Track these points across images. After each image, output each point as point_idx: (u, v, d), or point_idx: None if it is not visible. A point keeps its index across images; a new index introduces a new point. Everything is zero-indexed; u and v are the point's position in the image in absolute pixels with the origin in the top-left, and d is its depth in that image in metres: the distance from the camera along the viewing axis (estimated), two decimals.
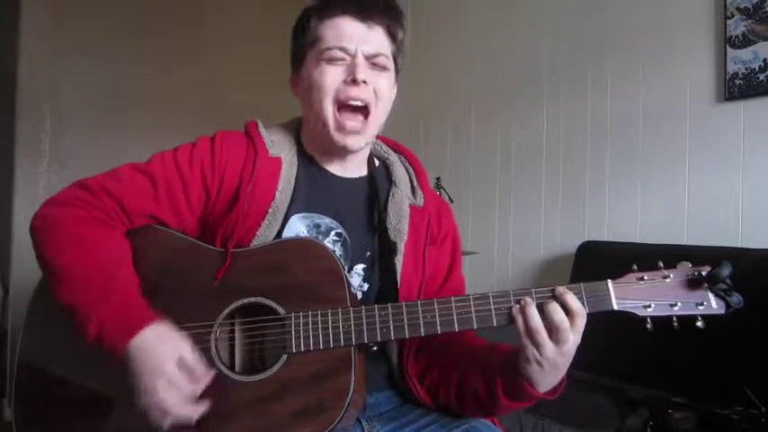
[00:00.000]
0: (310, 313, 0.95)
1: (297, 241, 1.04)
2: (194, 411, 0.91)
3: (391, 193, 1.16)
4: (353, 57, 1.06)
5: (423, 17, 3.22)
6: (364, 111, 1.08)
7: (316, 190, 1.12)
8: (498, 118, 2.94)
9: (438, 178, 2.68)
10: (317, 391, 0.92)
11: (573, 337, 0.90)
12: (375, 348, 0.99)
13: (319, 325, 0.94)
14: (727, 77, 2.15)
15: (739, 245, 2.06)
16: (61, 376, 1.00)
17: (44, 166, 2.96)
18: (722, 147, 2.16)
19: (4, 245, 2.89)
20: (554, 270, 2.63)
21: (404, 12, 1.15)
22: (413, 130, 3.21)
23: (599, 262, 2.31)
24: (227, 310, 0.98)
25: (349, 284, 0.98)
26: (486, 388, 0.99)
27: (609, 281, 0.93)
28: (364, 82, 1.05)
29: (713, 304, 0.92)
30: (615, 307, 0.92)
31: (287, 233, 1.07)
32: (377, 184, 1.17)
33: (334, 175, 1.15)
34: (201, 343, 0.96)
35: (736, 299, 0.90)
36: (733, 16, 2.15)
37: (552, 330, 0.89)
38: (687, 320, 0.92)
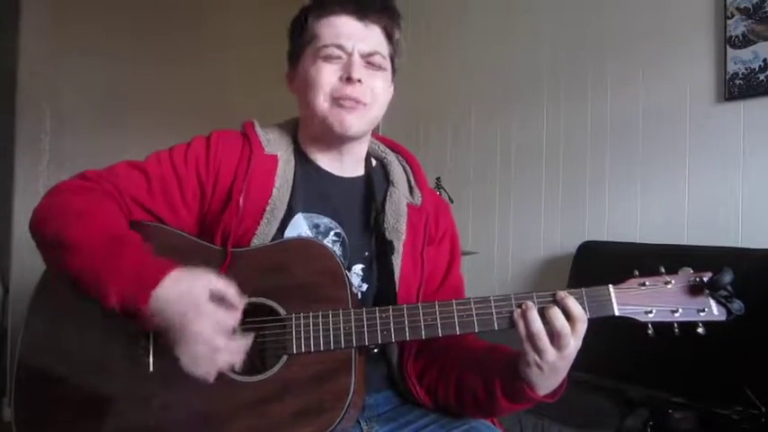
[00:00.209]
0: (311, 314, 0.95)
1: (298, 241, 1.04)
2: (243, 343, 0.90)
3: (389, 193, 1.16)
4: (350, 55, 1.07)
5: (423, 18, 3.21)
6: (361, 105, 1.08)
7: (313, 189, 1.12)
8: (498, 118, 2.94)
9: (438, 178, 2.68)
10: (317, 392, 0.92)
11: (574, 342, 0.90)
12: (375, 350, 0.99)
13: (320, 326, 0.94)
14: (727, 77, 2.14)
15: (739, 245, 2.06)
16: (61, 376, 1.00)
17: (44, 165, 2.97)
18: (722, 147, 2.16)
19: (4, 244, 2.89)
20: (554, 270, 2.63)
21: (404, 13, 1.16)
22: (413, 130, 3.21)
23: (599, 262, 2.31)
24: None
25: (350, 285, 0.98)
26: (486, 389, 0.99)
27: (610, 286, 0.93)
28: (359, 81, 1.06)
29: (714, 311, 0.92)
30: (617, 312, 0.92)
31: (290, 232, 1.07)
32: (374, 183, 1.17)
33: (331, 174, 1.15)
34: None
35: (737, 305, 0.90)
36: (733, 16, 2.14)
37: (553, 336, 0.89)
38: (688, 327, 0.92)
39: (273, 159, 1.10)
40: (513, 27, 2.92)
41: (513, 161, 2.88)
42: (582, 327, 0.90)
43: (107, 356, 0.98)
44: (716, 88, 2.19)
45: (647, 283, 0.93)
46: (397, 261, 1.10)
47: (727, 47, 2.15)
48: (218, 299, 0.90)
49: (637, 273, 0.94)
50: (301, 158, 1.15)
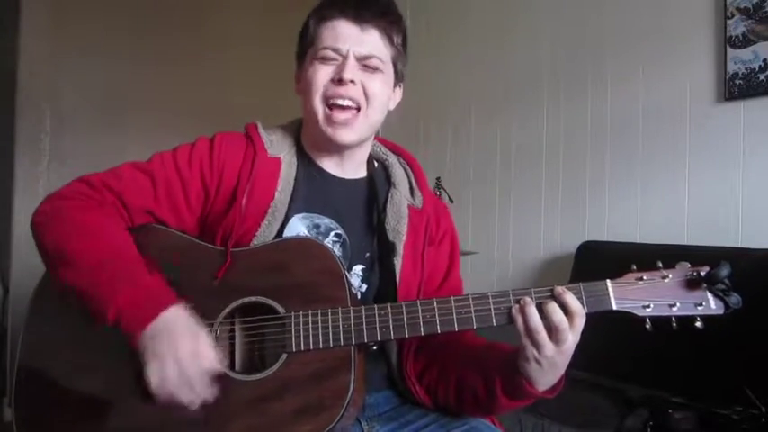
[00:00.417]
0: (310, 312, 0.95)
1: (297, 241, 1.05)
2: (198, 396, 0.91)
3: (390, 195, 1.17)
4: (344, 58, 1.08)
5: (422, 18, 3.22)
6: (355, 109, 1.09)
7: (315, 190, 1.13)
8: (498, 118, 2.94)
9: (438, 178, 2.68)
10: (316, 389, 0.92)
11: (572, 337, 0.90)
12: (375, 348, 0.99)
13: (319, 324, 0.95)
14: (727, 77, 2.15)
15: (739, 245, 2.06)
16: (61, 376, 1.00)
17: (44, 165, 2.96)
18: (722, 147, 2.16)
19: (4, 244, 2.89)
20: (554, 270, 2.63)
21: (403, 13, 1.16)
22: (413, 130, 3.21)
23: (599, 262, 2.31)
24: (227, 309, 0.98)
25: (350, 284, 0.98)
26: (485, 387, 0.99)
27: (608, 281, 0.94)
28: (352, 81, 1.07)
29: (712, 305, 0.92)
30: (614, 307, 0.92)
31: (287, 233, 1.07)
32: (376, 185, 1.18)
33: (333, 175, 1.16)
34: None
35: (734, 299, 0.90)
36: (733, 16, 2.15)
37: (552, 330, 0.89)
38: (686, 321, 0.92)
39: (276, 162, 1.11)
40: (512, 27, 2.92)
41: (513, 161, 2.88)
42: (580, 321, 0.90)
43: (107, 356, 0.98)
44: (716, 88, 2.19)
45: (644, 278, 0.93)
46: (398, 262, 1.11)
47: (727, 47, 2.15)
48: (201, 350, 0.92)
49: (634, 267, 0.95)
50: (304, 160, 1.15)
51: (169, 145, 1.12)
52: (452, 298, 0.95)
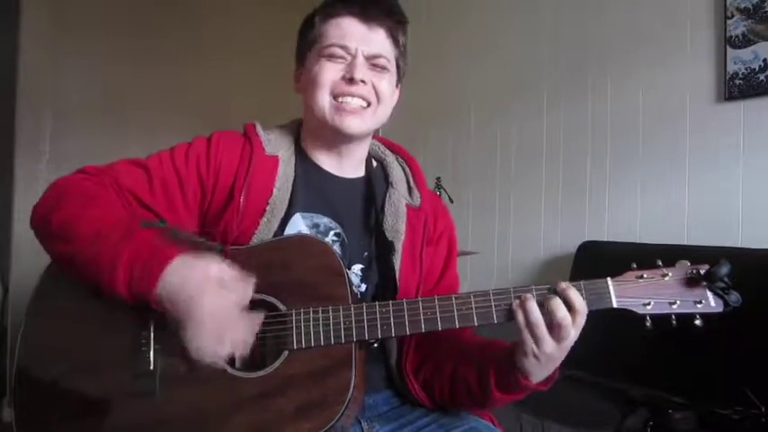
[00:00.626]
0: (311, 310, 0.95)
1: (297, 238, 1.05)
2: (253, 321, 0.89)
3: (388, 194, 1.17)
4: (353, 56, 1.08)
5: (423, 17, 3.22)
6: (366, 105, 1.10)
7: (314, 189, 1.13)
8: (498, 118, 2.94)
9: (438, 178, 2.68)
10: (318, 387, 0.92)
11: (573, 333, 0.90)
12: (375, 345, 0.99)
13: (320, 321, 0.95)
14: (727, 77, 2.15)
15: (739, 245, 2.06)
16: (61, 376, 1.00)
17: (44, 165, 2.96)
18: (722, 147, 2.17)
19: (4, 244, 2.89)
20: (554, 270, 2.63)
21: (404, 12, 1.16)
22: (413, 130, 3.21)
23: (599, 262, 2.31)
24: None
25: (350, 282, 0.99)
26: (479, 380, 1.00)
27: (609, 278, 0.94)
28: (362, 81, 1.07)
29: (712, 302, 0.92)
30: (615, 304, 0.93)
31: (289, 231, 1.08)
32: (374, 184, 1.18)
33: (331, 174, 1.16)
34: None
35: (734, 297, 0.90)
36: (733, 16, 2.15)
37: (554, 327, 0.89)
38: (686, 319, 0.92)
39: (274, 160, 1.11)
40: (512, 27, 2.92)
41: (513, 161, 2.88)
42: (582, 319, 0.90)
43: (107, 356, 0.98)
44: (716, 88, 2.19)
45: (644, 276, 0.94)
46: (397, 261, 1.11)
47: (727, 47, 2.15)
48: (227, 282, 0.90)
49: (635, 266, 0.95)
50: (302, 158, 1.15)
51: (169, 145, 1.12)
52: (453, 295, 0.95)
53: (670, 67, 2.32)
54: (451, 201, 2.65)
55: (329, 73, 1.08)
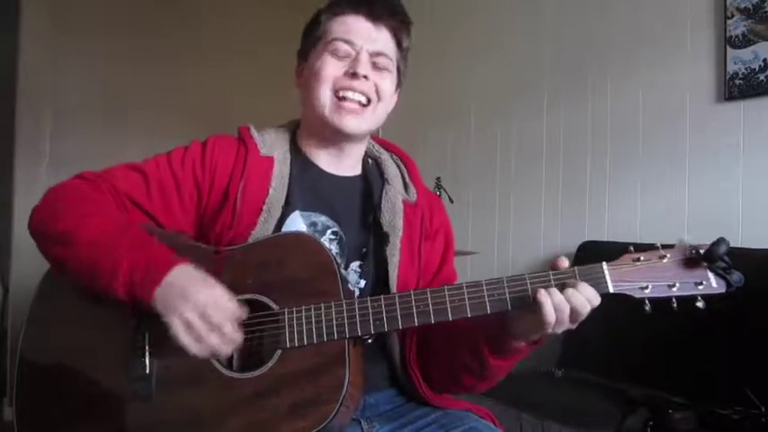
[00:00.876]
0: (303, 308, 0.95)
1: (288, 237, 1.05)
2: (237, 336, 0.91)
3: (384, 191, 1.18)
4: (357, 53, 1.09)
5: (425, 17, 3.21)
6: (366, 102, 1.10)
7: (310, 188, 1.13)
8: (498, 118, 2.94)
9: (438, 178, 2.68)
10: (312, 385, 0.92)
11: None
12: (369, 341, 0.99)
13: (312, 319, 0.95)
14: (727, 77, 2.15)
15: (739, 245, 2.06)
16: (62, 376, 1.00)
17: (44, 166, 2.96)
18: (722, 147, 2.16)
19: (4, 244, 2.89)
20: None
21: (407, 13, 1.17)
22: (413, 130, 3.21)
23: (599, 262, 2.30)
24: None
25: (342, 278, 0.98)
26: (473, 353, 1.01)
27: (604, 263, 0.92)
28: (365, 77, 1.08)
29: (713, 283, 0.88)
30: (611, 290, 0.90)
31: (286, 231, 1.08)
32: (370, 181, 1.19)
33: (328, 173, 1.17)
34: None
35: (736, 277, 0.87)
36: (733, 16, 2.15)
37: (572, 312, 0.89)
38: (687, 301, 0.89)
39: (269, 160, 1.12)
40: (513, 27, 2.92)
41: (513, 161, 2.88)
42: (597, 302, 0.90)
43: (106, 356, 0.98)
44: (716, 88, 2.19)
45: (641, 259, 0.90)
46: (395, 257, 1.11)
47: (727, 47, 2.15)
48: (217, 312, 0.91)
49: (632, 249, 0.92)
50: (298, 157, 1.16)
51: (169, 146, 1.13)
52: (446, 287, 0.95)
53: (670, 67, 2.32)
54: (451, 201, 2.65)
55: (332, 68, 1.09)
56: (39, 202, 1.05)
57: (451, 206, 2.67)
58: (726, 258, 0.87)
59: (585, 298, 0.89)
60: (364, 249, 1.13)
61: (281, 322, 0.95)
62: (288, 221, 1.09)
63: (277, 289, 0.98)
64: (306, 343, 0.94)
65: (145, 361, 0.95)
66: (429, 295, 0.95)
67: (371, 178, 1.19)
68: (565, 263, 0.94)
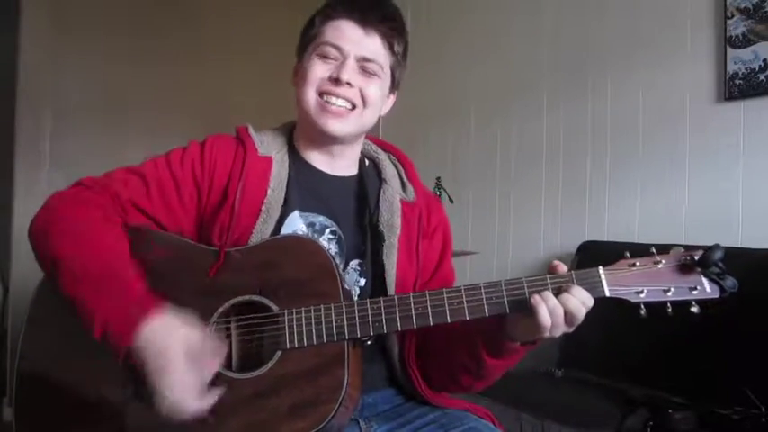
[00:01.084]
0: (303, 309, 0.96)
1: (288, 239, 1.05)
2: (203, 404, 0.90)
3: (382, 190, 1.18)
4: (345, 58, 1.09)
5: (423, 17, 3.22)
6: (350, 107, 1.11)
7: (309, 188, 1.14)
8: (498, 118, 2.94)
9: (438, 178, 2.69)
10: (311, 385, 0.93)
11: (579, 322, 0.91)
12: (369, 342, 0.99)
13: (312, 320, 0.95)
14: (727, 77, 2.15)
15: (739, 245, 2.06)
16: (62, 376, 1.00)
17: (44, 166, 2.96)
18: (722, 147, 2.17)
19: (4, 244, 2.89)
20: None
21: (403, 12, 1.17)
22: (413, 130, 3.21)
23: (599, 262, 2.30)
24: (221, 309, 0.99)
25: (342, 280, 0.99)
26: (471, 354, 1.02)
27: (600, 267, 0.93)
28: (348, 83, 1.08)
29: (707, 288, 0.90)
30: (607, 294, 0.92)
31: (286, 231, 1.08)
32: (367, 181, 1.19)
33: (325, 173, 1.17)
34: None
35: (730, 282, 0.89)
36: (733, 16, 2.15)
37: (567, 315, 0.90)
38: (681, 306, 0.90)
39: (268, 160, 1.12)
40: (512, 27, 2.92)
41: (513, 161, 2.88)
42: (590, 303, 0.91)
43: (107, 356, 0.97)
44: (716, 88, 2.19)
45: (637, 264, 0.92)
46: (393, 256, 1.12)
47: (727, 47, 2.15)
48: (195, 354, 0.90)
49: (628, 254, 0.94)
50: (296, 158, 1.17)
51: (169, 145, 1.14)
52: (444, 290, 0.96)
53: (670, 67, 2.32)
54: (451, 201, 2.65)
55: (318, 71, 1.10)
56: (38, 211, 1.05)
57: (451, 206, 2.67)
58: (720, 264, 0.89)
59: (580, 301, 0.90)
60: (363, 248, 1.14)
61: (281, 323, 0.96)
62: (287, 222, 1.09)
63: (277, 290, 0.98)
64: (306, 344, 0.94)
65: None
66: (428, 298, 0.95)
67: (368, 178, 1.20)
68: (562, 267, 0.94)
